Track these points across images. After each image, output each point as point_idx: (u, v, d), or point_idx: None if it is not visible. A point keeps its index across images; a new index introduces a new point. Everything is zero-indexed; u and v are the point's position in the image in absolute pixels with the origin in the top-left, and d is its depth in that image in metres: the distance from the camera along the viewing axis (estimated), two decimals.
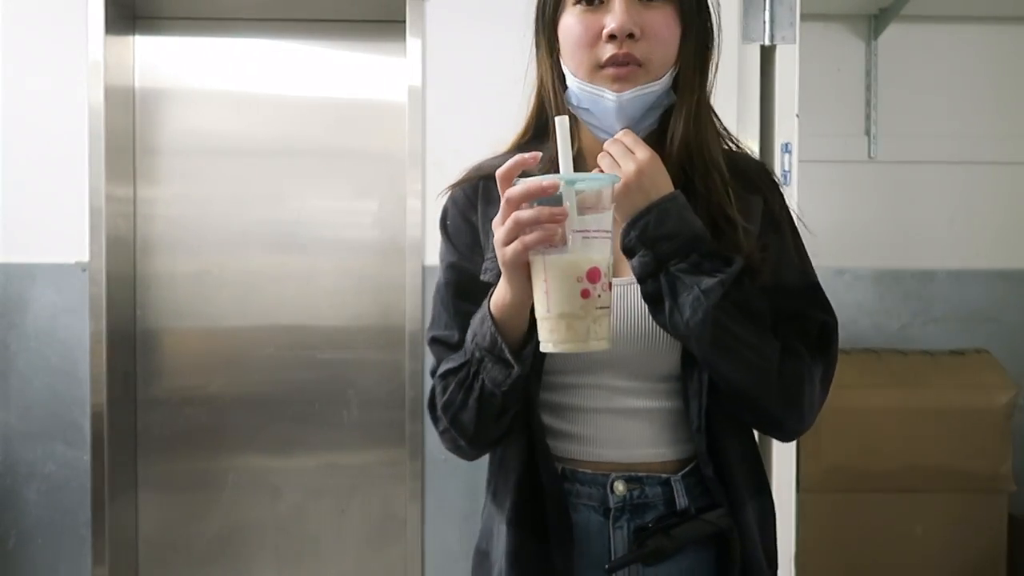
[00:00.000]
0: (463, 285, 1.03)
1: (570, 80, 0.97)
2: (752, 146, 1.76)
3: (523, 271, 0.85)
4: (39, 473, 2.42)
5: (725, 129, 1.04)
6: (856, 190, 2.87)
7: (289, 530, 2.64)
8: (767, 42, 1.75)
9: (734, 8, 1.74)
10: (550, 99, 1.01)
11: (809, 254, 1.05)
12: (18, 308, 2.41)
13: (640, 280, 0.91)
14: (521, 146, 1.05)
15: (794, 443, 1.80)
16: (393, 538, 2.61)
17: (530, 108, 1.05)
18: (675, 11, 0.95)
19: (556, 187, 0.80)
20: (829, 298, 1.03)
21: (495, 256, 0.90)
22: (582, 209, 0.81)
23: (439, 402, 1.00)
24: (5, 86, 2.41)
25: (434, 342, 1.05)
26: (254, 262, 2.62)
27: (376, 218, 2.62)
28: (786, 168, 1.75)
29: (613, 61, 0.92)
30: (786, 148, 1.74)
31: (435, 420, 1.03)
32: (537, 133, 1.06)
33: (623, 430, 0.98)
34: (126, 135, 2.55)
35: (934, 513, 2.45)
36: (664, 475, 0.98)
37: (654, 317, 0.92)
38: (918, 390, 2.46)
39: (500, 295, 0.90)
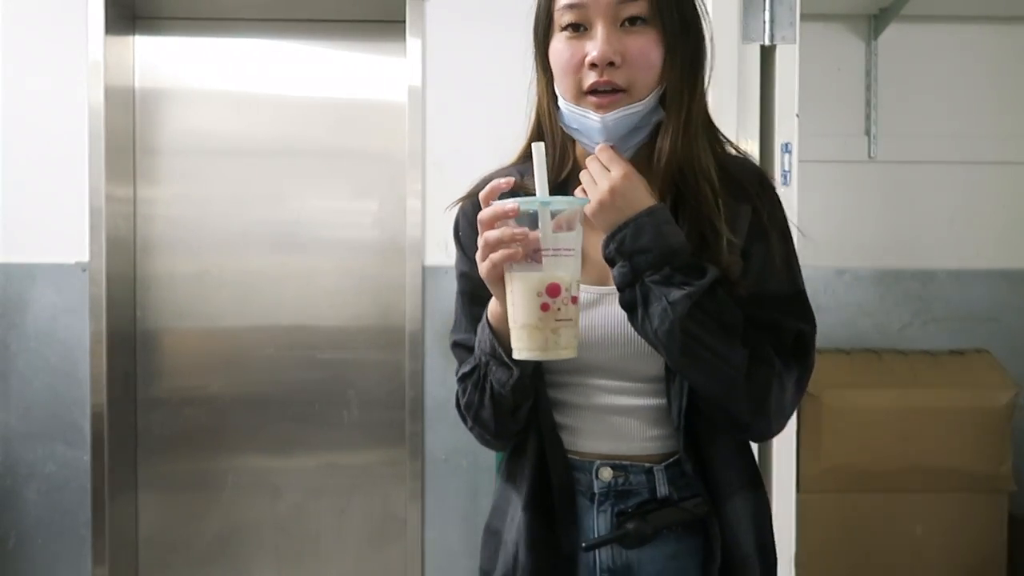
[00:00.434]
0: (476, 292, 1.06)
1: (561, 101, 1.02)
2: (752, 146, 1.76)
3: (501, 284, 0.93)
4: (39, 473, 2.42)
5: (724, 136, 1.07)
6: (856, 190, 2.87)
7: (289, 530, 2.64)
8: (767, 42, 1.75)
9: (734, 8, 1.74)
10: (546, 117, 1.06)
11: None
12: (18, 308, 2.41)
13: (619, 289, 0.96)
14: (525, 159, 1.09)
15: (794, 443, 1.80)
16: (393, 538, 2.61)
17: (531, 124, 1.10)
18: (658, 34, 0.98)
19: (516, 211, 0.88)
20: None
21: None
22: (556, 228, 0.89)
23: (461, 402, 1.07)
24: (5, 86, 2.41)
25: (455, 346, 1.12)
26: (254, 262, 2.62)
27: (376, 218, 2.62)
28: (786, 168, 1.74)
29: (595, 89, 0.97)
30: (786, 148, 1.74)
31: (463, 419, 1.10)
32: None
33: (610, 424, 1.04)
34: (126, 135, 2.55)
35: (934, 513, 2.45)
36: (648, 464, 1.03)
37: (631, 324, 0.97)
38: (918, 390, 2.46)
39: (493, 305, 0.98)
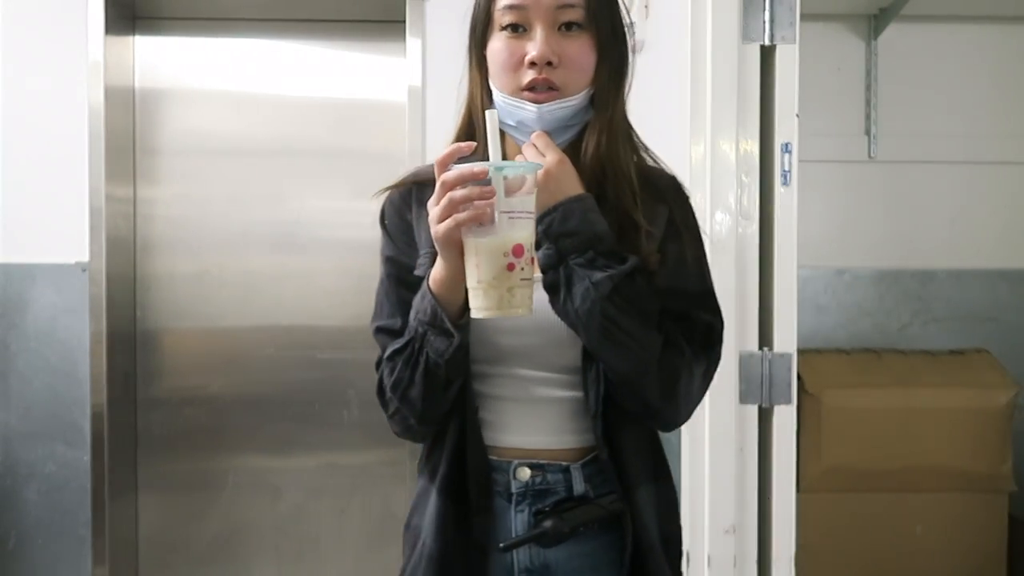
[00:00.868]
0: (403, 276, 1.11)
1: (496, 96, 1.07)
2: (752, 146, 1.76)
3: (456, 247, 0.94)
4: (39, 473, 2.42)
5: (643, 143, 1.14)
6: (856, 190, 2.86)
7: (289, 530, 2.64)
8: (767, 42, 1.75)
9: (734, 8, 1.73)
10: (479, 113, 1.09)
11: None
12: (18, 308, 2.41)
13: (543, 271, 1.00)
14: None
15: (794, 443, 1.79)
16: (393, 538, 2.60)
17: (460, 120, 1.14)
18: (592, 39, 1.05)
19: (486, 172, 0.91)
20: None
21: (429, 253, 1.05)
22: (508, 192, 0.92)
23: (387, 383, 1.07)
24: (5, 86, 2.41)
25: (379, 331, 1.12)
26: (254, 262, 2.62)
27: (376, 218, 2.61)
28: (786, 168, 1.74)
29: (532, 86, 1.03)
30: (786, 148, 1.74)
31: (384, 405, 1.10)
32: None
33: (528, 417, 1.07)
34: (126, 135, 2.55)
35: (934, 513, 2.45)
36: (564, 463, 1.06)
37: (552, 306, 1.00)
38: (918, 390, 2.45)
39: (437, 271, 0.99)
